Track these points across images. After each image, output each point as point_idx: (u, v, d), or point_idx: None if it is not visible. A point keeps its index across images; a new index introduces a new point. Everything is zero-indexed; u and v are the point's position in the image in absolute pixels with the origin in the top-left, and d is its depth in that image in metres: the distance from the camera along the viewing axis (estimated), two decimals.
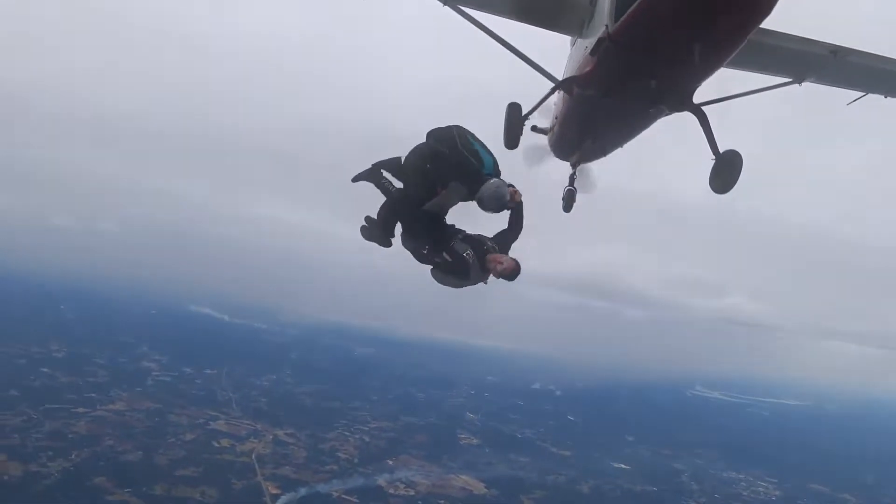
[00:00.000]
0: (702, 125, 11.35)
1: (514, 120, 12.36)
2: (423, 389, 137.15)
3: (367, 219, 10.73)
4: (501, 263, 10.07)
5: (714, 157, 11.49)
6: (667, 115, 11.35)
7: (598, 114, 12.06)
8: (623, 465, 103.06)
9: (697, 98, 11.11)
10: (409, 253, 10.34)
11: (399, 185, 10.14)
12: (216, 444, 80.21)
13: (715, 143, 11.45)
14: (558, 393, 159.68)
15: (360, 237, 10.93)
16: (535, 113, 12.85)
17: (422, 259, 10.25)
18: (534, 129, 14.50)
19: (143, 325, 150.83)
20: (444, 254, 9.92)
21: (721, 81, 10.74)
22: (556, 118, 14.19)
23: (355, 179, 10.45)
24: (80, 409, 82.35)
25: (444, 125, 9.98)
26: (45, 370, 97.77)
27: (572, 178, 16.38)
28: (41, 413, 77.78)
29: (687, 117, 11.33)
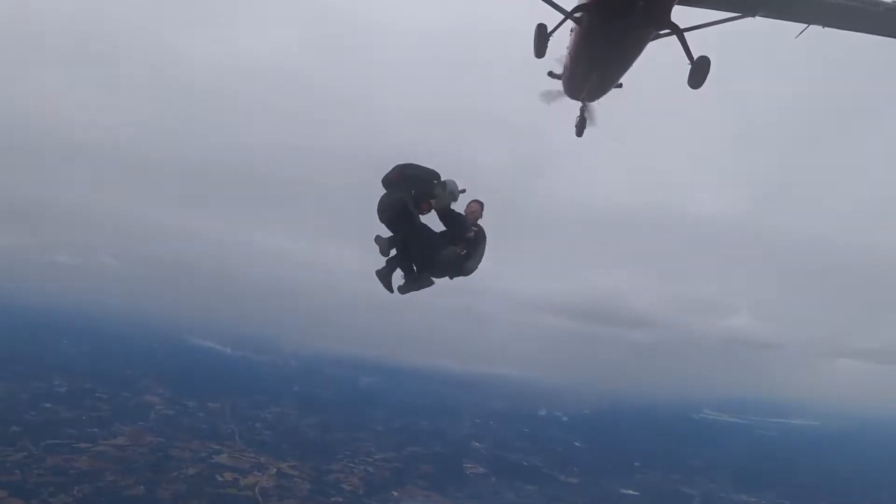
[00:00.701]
0: (679, 39, 13.96)
1: (541, 35, 15.40)
2: (428, 418, 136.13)
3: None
4: (474, 212, 13.02)
5: (689, 62, 14.04)
6: (653, 36, 14.08)
7: (600, 43, 14.86)
8: (632, 492, 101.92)
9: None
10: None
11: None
12: (219, 478, 79.56)
13: (690, 51, 14.03)
14: (564, 419, 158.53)
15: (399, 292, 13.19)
16: (552, 59, 16.89)
17: (456, 266, 12.44)
18: (550, 74, 17.84)
19: (144, 359, 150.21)
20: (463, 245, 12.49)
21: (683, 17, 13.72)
22: (567, 58, 17.01)
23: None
24: (82, 444, 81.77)
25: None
26: (47, 405, 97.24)
27: (582, 111, 19.06)
28: (43, 448, 77.23)
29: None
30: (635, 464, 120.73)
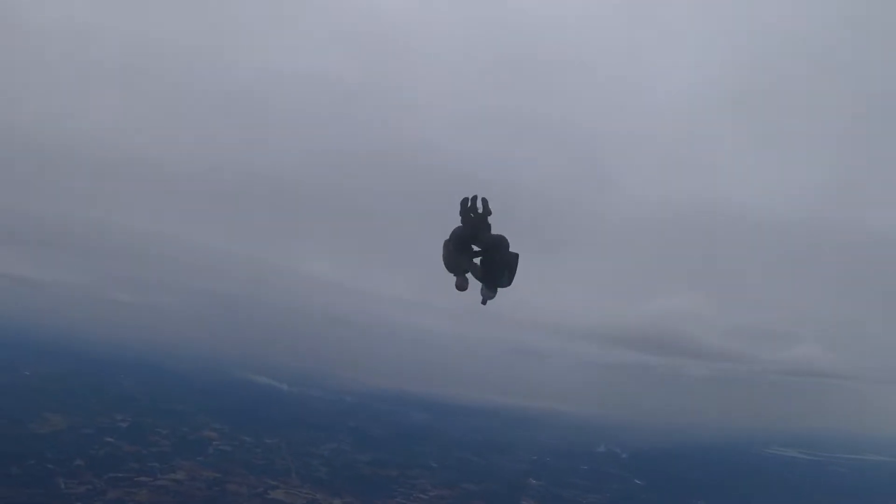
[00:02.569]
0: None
1: None
2: (483, 455, 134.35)
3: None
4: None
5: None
6: None
7: None
8: None
9: None
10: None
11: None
12: None
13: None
14: (624, 456, 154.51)
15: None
16: None
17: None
18: None
19: (203, 395, 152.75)
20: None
21: None
22: None
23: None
24: (143, 478, 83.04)
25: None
26: (109, 439, 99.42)
27: None
28: (105, 482, 78.69)
29: None
30: (698, 502, 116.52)
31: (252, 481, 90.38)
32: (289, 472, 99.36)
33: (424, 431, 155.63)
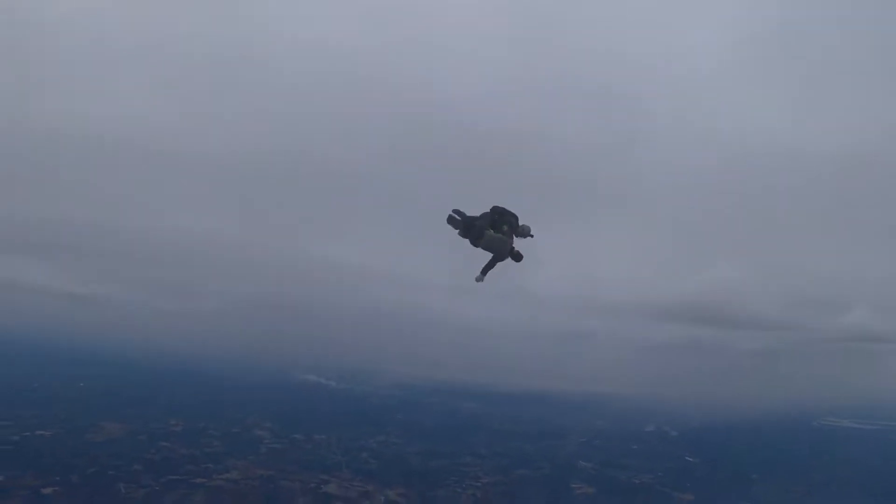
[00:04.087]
0: None
1: None
2: (532, 441, 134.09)
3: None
4: None
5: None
6: None
7: None
8: None
9: None
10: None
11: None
12: None
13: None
14: (674, 434, 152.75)
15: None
16: None
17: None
18: None
19: (252, 396, 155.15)
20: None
21: None
22: None
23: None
24: (199, 480, 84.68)
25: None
26: (164, 444, 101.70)
27: None
28: (162, 485, 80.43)
29: None
30: (753, 476, 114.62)
31: (304, 477, 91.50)
32: (340, 467, 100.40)
33: (473, 420, 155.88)
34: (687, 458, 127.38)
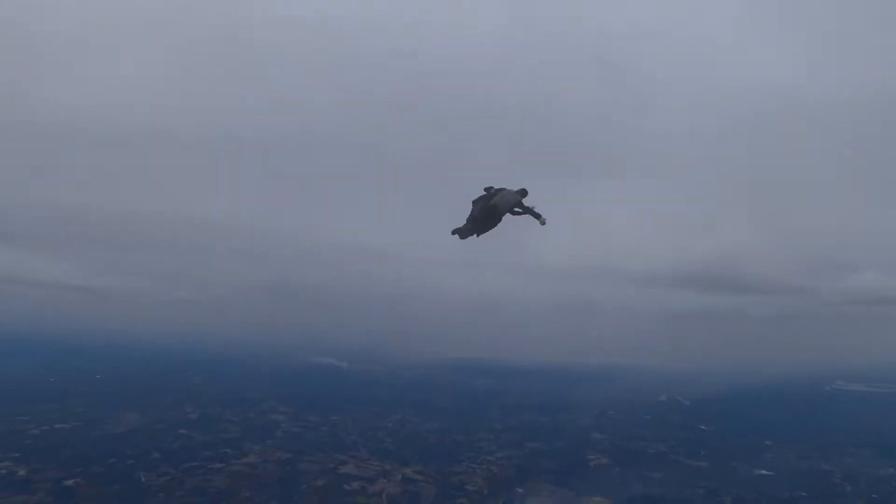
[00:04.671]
0: None
1: None
2: (546, 414, 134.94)
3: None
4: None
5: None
6: None
7: None
8: (766, 472, 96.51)
9: None
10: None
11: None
12: (347, 488, 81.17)
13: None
14: (687, 403, 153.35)
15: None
16: None
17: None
18: None
19: (266, 381, 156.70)
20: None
21: None
22: None
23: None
24: (217, 465, 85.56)
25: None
26: (182, 431, 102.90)
27: None
28: (182, 472, 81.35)
29: None
30: (766, 443, 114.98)
31: (322, 458, 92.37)
32: (356, 447, 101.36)
33: (486, 396, 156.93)
34: (700, 426, 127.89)
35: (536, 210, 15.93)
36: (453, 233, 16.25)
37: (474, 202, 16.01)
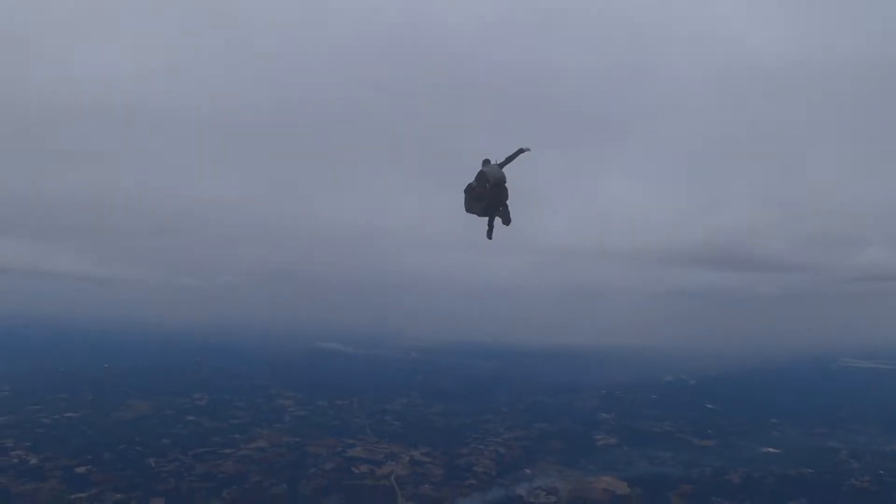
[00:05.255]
0: None
1: None
2: (553, 395, 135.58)
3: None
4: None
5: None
6: None
7: None
8: (772, 450, 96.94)
9: None
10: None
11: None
12: (355, 470, 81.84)
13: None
14: (692, 383, 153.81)
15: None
16: None
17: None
18: None
19: (274, 367, 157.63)
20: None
21: None
22: None
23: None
24: (227, 450, 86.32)
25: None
26: (190, 418, 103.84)
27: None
28: (192, 457, 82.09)
29: None
30: (773, 421, 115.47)
31: (330, 442, 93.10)
32: (364, 430, 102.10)
33: (493, 379, 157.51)
34: (707, 405, 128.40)
35: (515, 153, 15.31)
36: (490, 237, 16.07)
37: (467, 191, 15.86)
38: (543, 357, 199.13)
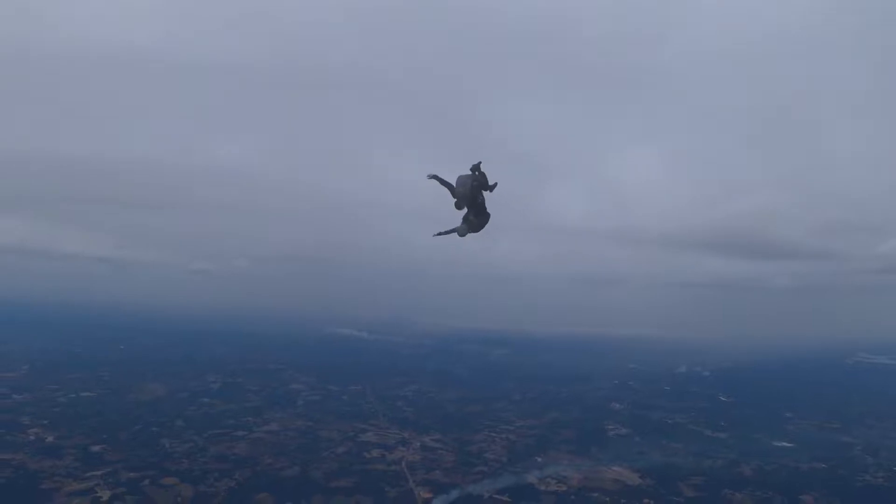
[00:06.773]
0: None
1: None
2: (565, 384, 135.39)
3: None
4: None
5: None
6: None
7: None
8: (786, 443, 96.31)
9: None
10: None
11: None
12: (367, 455, 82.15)
13: None
14: (706, 374, 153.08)
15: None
16: None
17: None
18: None
19: (287, 351, 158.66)
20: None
21: None
22: None
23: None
24: (240, 433, 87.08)
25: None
26: (204, 400, 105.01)
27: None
28: (205, 439, 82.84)
29: None
30: (786, 414, 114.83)
31: (342, 426, 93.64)
32: (376, 415, 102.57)
33: (505, 367, 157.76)
34: (720, 397, 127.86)
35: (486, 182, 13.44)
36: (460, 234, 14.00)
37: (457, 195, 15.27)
38: (556, 346, 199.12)
